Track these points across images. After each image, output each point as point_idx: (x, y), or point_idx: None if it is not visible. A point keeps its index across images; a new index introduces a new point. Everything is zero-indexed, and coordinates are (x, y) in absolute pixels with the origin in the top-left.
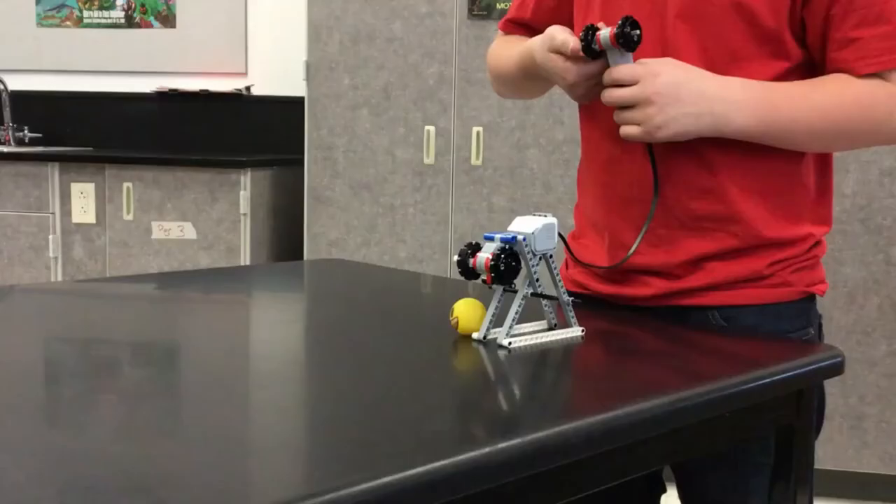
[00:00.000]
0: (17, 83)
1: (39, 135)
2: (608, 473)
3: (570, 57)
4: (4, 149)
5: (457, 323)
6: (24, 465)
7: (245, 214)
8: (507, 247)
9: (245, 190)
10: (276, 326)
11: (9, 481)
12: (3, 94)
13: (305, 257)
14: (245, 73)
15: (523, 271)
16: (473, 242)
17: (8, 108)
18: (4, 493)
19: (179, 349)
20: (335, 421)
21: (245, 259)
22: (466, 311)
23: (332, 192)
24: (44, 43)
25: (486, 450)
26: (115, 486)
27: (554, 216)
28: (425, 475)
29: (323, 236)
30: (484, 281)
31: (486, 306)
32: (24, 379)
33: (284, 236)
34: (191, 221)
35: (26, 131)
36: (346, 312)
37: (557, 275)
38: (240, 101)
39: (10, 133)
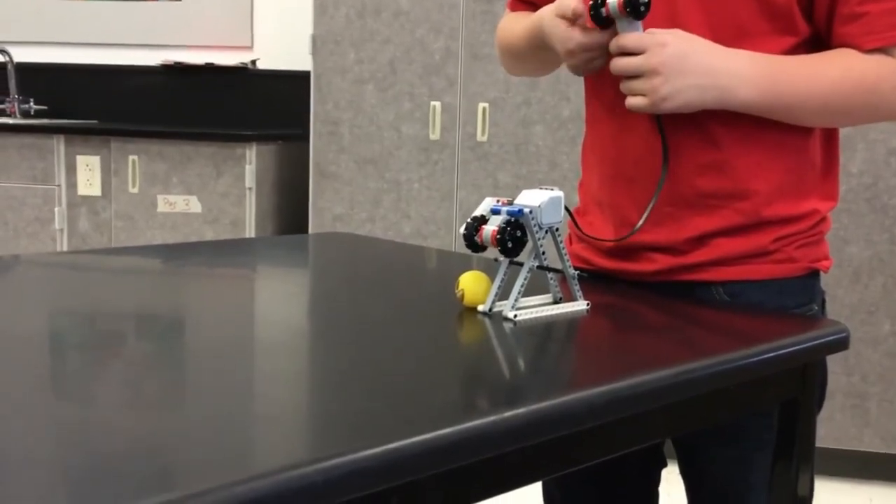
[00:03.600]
0: (23, 55)
1: (45, 107)
2: (611, 445)
3: (576, 24)
4: (10, 121)
5: (462, 295)
6: (30, 435)
7: (250, 189)
8: (513, 219)
9: (250, 164)
10: (280, 298)
11: (15, 451)
12: (10, 66)
13: (310, 232)
14: (251, 47)
15: (529, 244)
16: (479, 215)
17: (14, 80)
18: (11, 462)
19: (184, 320)
20: (340, 390)
21: (250, 233)
22: (472, 284)
23: (337, 168)
24: (50, 15)
25: (491, 419)
26: (120, 453)
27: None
28: (429, 442)
29: (328, 211)
30: (496, 259)
31: (492, 279)
32: (29, 349)
33: (289, 211)
34: (196, 195)
35: (32, 103)
36: (351, 284)
37: (563, 248)
38: (245, 75)
39: (16, 105)
